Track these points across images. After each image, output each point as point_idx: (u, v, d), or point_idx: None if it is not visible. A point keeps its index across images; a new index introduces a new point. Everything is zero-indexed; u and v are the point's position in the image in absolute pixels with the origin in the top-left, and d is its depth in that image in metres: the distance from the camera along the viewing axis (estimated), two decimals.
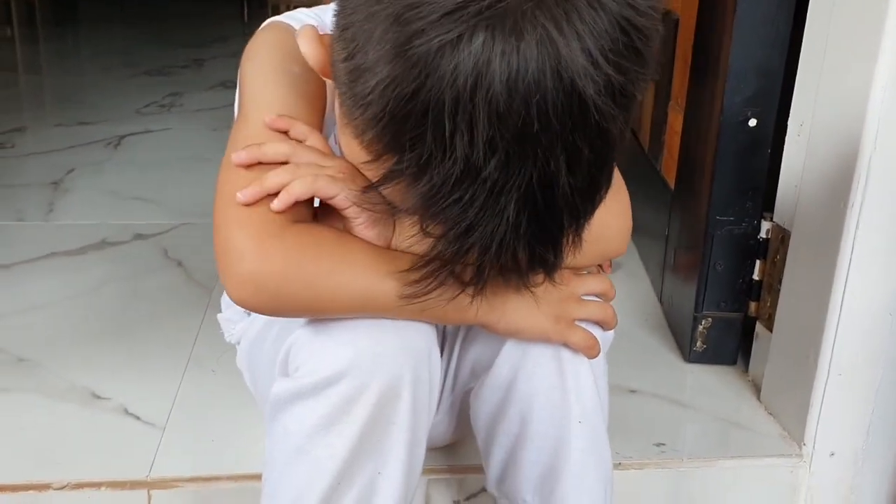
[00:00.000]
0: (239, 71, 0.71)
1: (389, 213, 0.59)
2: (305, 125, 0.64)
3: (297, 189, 0.59)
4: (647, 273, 1.33)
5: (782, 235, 1.00)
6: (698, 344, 1.10)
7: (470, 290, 0.58)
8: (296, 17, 0.72)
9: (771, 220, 1.04)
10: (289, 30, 0.70)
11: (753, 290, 1.07)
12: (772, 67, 0.99)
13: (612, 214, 0.67)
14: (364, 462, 0.63)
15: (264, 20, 0.74)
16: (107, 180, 1.69)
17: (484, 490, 0.80)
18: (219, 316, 0.92)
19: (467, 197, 0.51)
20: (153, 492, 0.86)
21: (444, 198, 0.51)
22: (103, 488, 0.86)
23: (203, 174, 1.72)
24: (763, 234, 1.05)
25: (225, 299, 0.91)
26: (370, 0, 0.52)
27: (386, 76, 0.50)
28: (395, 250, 0.62)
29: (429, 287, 0.58)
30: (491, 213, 0.52)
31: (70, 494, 0.85)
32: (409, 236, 0.60)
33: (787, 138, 0.98)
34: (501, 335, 0.69)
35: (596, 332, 0.70)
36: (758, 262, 1.06)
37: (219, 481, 0.87)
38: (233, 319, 0.89)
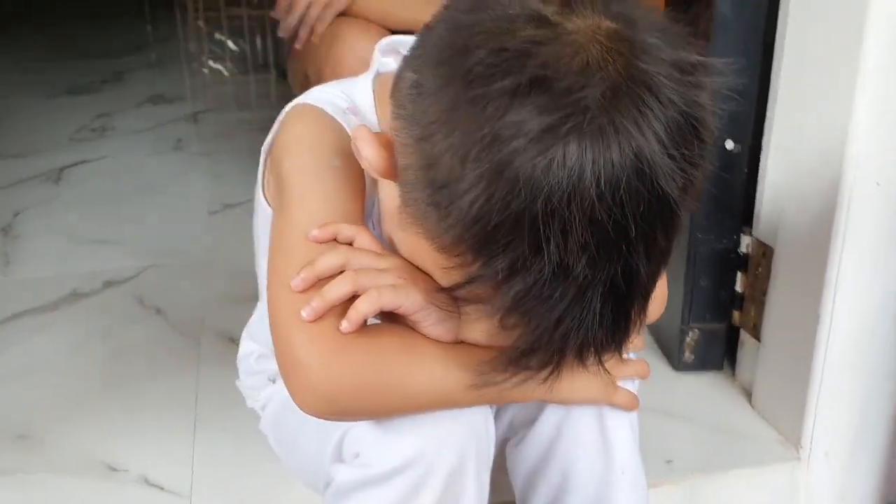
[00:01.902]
0: (272, 160, 0.71)
1: (456, 307, 0.60)
2: (351, 225, 0.63)
3: (364, 308, 0.58)
4: None
5: (763, 250, 1.06)
6: (686, 354, 1.15)
7: (544, 375, 0.58)
8: (325, 100, 0.70)
9: (750, 234, 1.09)
10: (323, 116, 0.69)
11: (736, 301, 1.13)
12: (746, 92, 1.04)
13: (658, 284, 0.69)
14: None
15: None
16: (58, 221, 1.63)
17: None
18: (238, 383, 0.91)
19: (557, 295, 0.52)
20: None
21: (534, 298, 0.52)
22: None
23: (156, 207, 1.68)
24: (743, 249, 1.10)
25: (244, 367, 0.90)
26: (455, 114, 0.51)
27: (481, 192, 0.50)
28: (462, 343, 0.62)
29: (505, 376, 0.58)
30: (578, 308, 0.53)
31: None
32: (479, 329, 0.61)
33: (768, 160, 1.03)
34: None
35: (629, 385, 0.74)
36: (739, 274, 1.11)
37: None
38: (256, 387, 0.88)
